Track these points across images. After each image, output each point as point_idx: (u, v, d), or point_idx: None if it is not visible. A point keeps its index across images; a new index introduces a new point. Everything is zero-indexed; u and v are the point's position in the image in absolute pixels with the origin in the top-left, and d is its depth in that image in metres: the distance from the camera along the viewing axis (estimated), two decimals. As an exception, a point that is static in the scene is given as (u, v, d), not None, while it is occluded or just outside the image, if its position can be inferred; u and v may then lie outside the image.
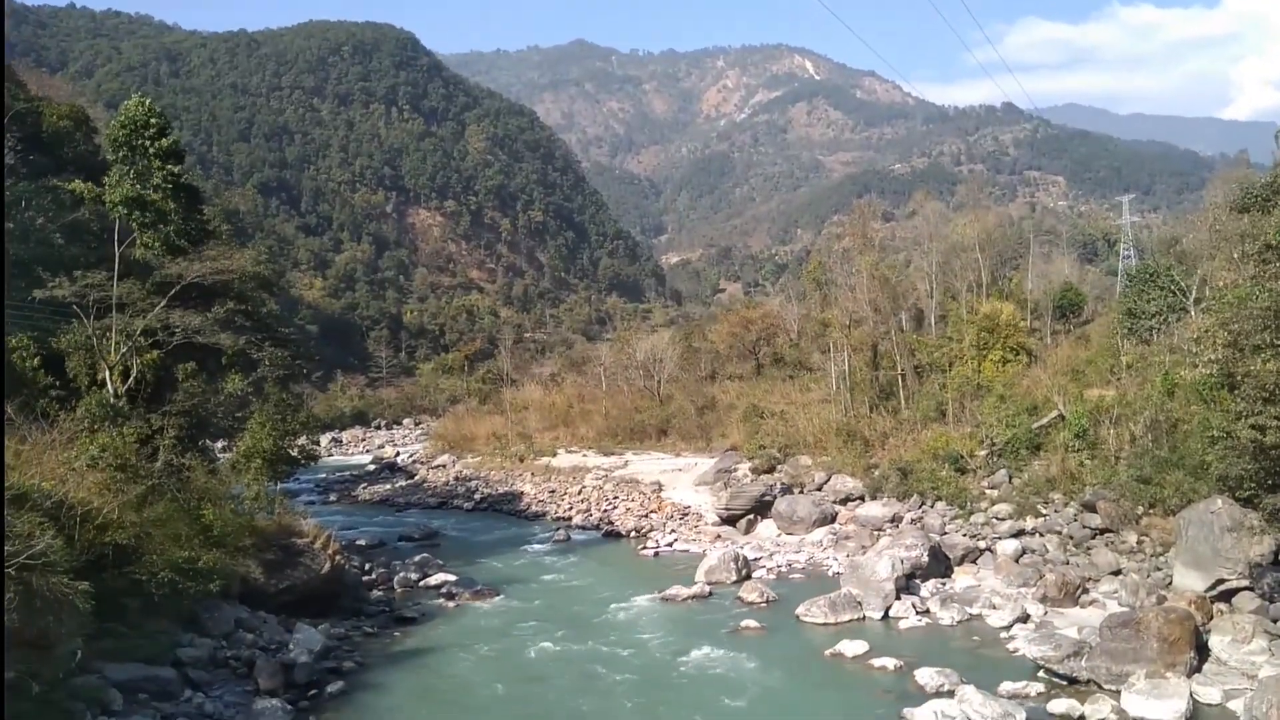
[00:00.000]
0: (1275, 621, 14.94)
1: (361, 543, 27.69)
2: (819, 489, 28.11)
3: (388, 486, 39.65)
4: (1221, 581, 16.06)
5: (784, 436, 32.62)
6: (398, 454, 48.69)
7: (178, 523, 15.77)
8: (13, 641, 11.21)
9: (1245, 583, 15.79)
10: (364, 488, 39.64)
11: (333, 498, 38.26)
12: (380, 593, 21.86)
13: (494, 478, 38.43)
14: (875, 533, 24.12)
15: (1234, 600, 15.81)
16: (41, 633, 11.08)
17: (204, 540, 15.95)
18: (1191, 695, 13.06)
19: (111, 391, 19.22)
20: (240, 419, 24.61)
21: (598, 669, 16.14)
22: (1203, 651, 14.42)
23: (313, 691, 14.90)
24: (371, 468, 45.43)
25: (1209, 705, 13.07)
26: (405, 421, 66.88)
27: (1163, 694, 13.07)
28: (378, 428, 65.69)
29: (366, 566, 24.10)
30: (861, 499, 26.77)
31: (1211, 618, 15.42)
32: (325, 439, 50.47)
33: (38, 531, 10.90)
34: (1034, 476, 23.51)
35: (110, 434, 16.85)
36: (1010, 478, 24.19)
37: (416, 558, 25.19)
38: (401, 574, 23.33)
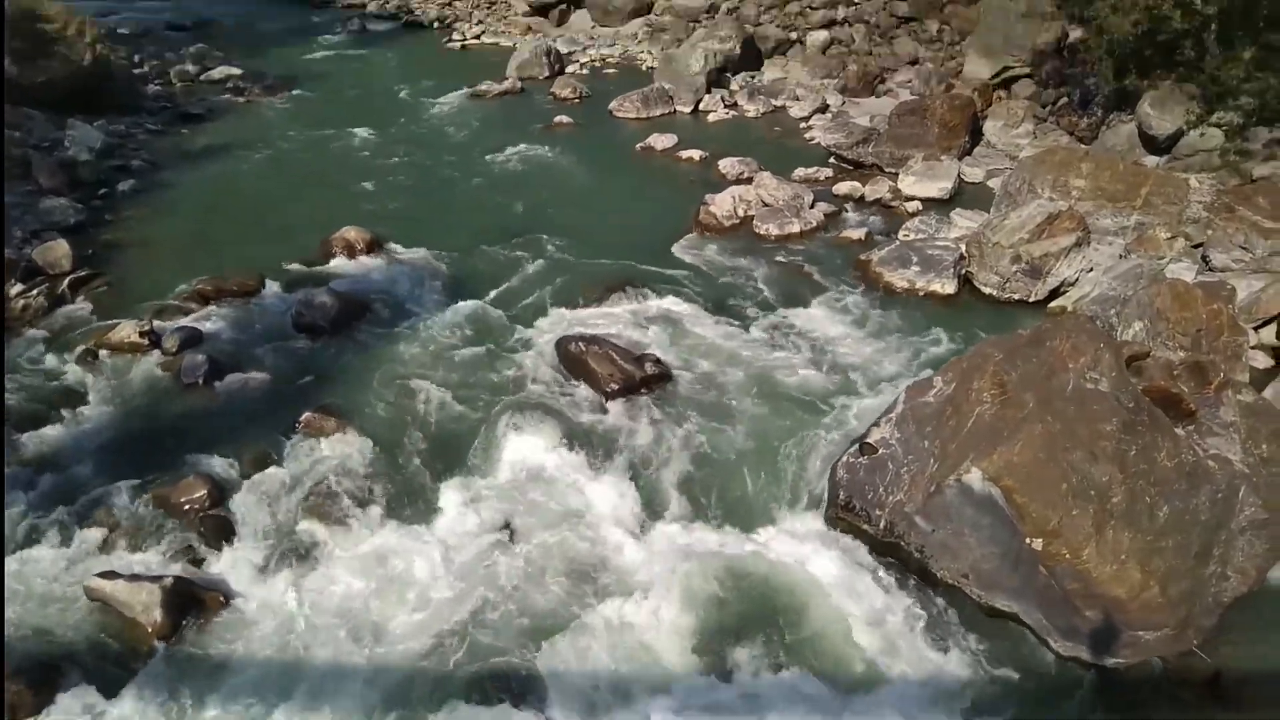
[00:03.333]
0: (1044, 106, 16.35)
1: (124, 31, 24.49)
2: (635, -24, 26.52)
3: (143, -35, 34.14)
4: (1007, 69, 17.08)
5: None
6: (147, -74, 41.24)
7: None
8: None
9: (1026, 70, 16.89)
10: (112, -33, 33.95)
11: (76, -22, 32.76)
12: (157, 87, 19.91)
13: (271, -43, 33.71)
14: (691, 24, 23.55)
15: (1013, 88, 17.02)
16: None
17: (-80, 22, 13.50)
18: (959, 175, 14.53)
19: None
20: None
21: (407, 162, 15.94)
22: (976, 136, 15.81)
23: (103, 190, 14.03)
24: (117, -58, 38.56)
25: (972, 183, 14.64)
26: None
27: (935, 175, 14.44)
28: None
29: (136, 58, 21.59)
30: (678, -13, 25.61)
31: (990, 104, 16.66)
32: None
33: None
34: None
35: None
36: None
37: (192, 48, 22.74)
38: (178, 67, 21.16)
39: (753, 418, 8.96)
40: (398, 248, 12.48)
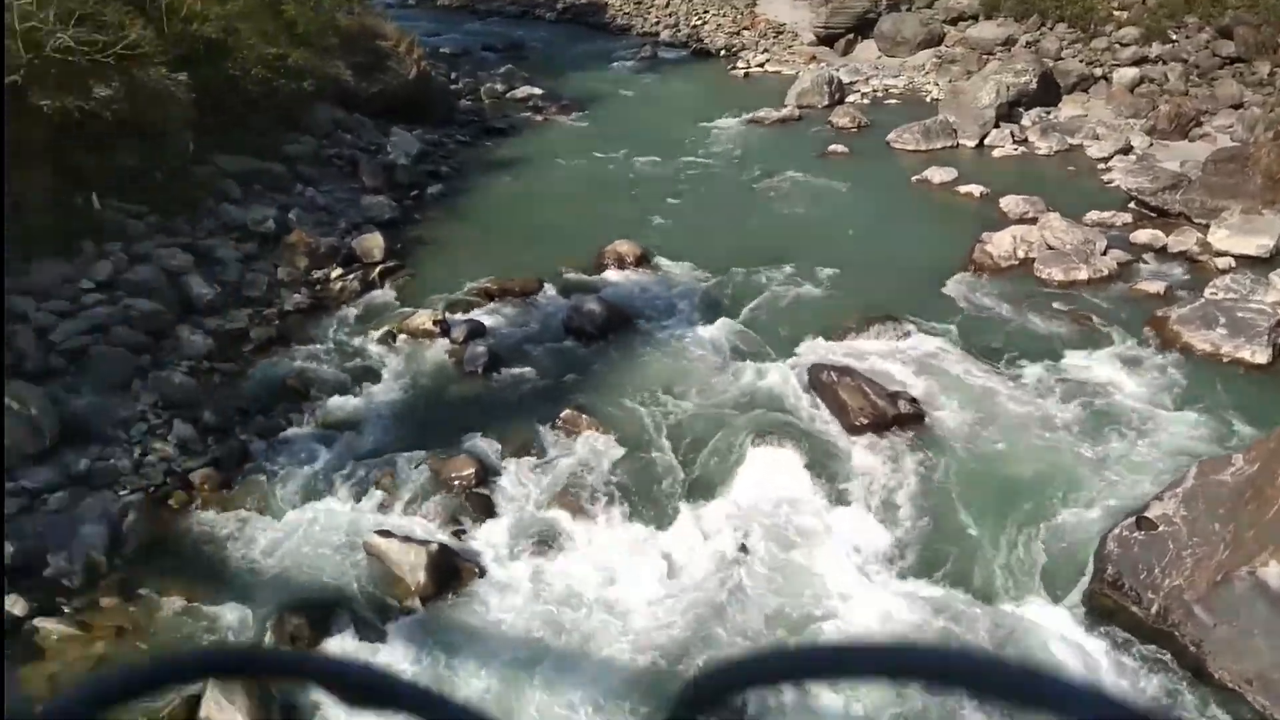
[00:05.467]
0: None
1: (446, 50, 27.14)
2: (929, 6, 25.86)
3: (466, -9, 37.80)
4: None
5: (896, -55, 29.31)
6: (475, -43, 45.68)
7: (260, 18, 15.47)
8: (128, 132, 11.78)
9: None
10: (443, -8, 37.87)
11: (411, 2, 36.84)
12: (468, 103, 21.91)
13: (577, -14, 36.19)
14: (984, 56, 22.59)
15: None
16: (151, 122, 11.54)
17: (290, 38, 15.75)
18: (1285, 232, 12.88)
19: None
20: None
21: (682, 182, 16.48)
22: (1312, 191, 13.95)
23: (414, 192, 15.68)
24: (448, -29, 42.96)
25: (1301, 243, 12.92)
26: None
27: (1253, 229, 12.89)
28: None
29: (453, 75, 23.89)
30: (975, 19, 24.66)
31: (1333, 155, 14.64)
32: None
33: (126, 21, 10.81)
34: (1173, -4, 21.16)
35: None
36: (1146, -2, 21.81)
37: (502, 69, 24.79)
38: (488, 85, 23.14)
39: (1011, 472, 8.42)
40: (665, 262, 12.94)
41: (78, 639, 6.68)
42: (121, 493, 7.96)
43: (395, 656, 6.77)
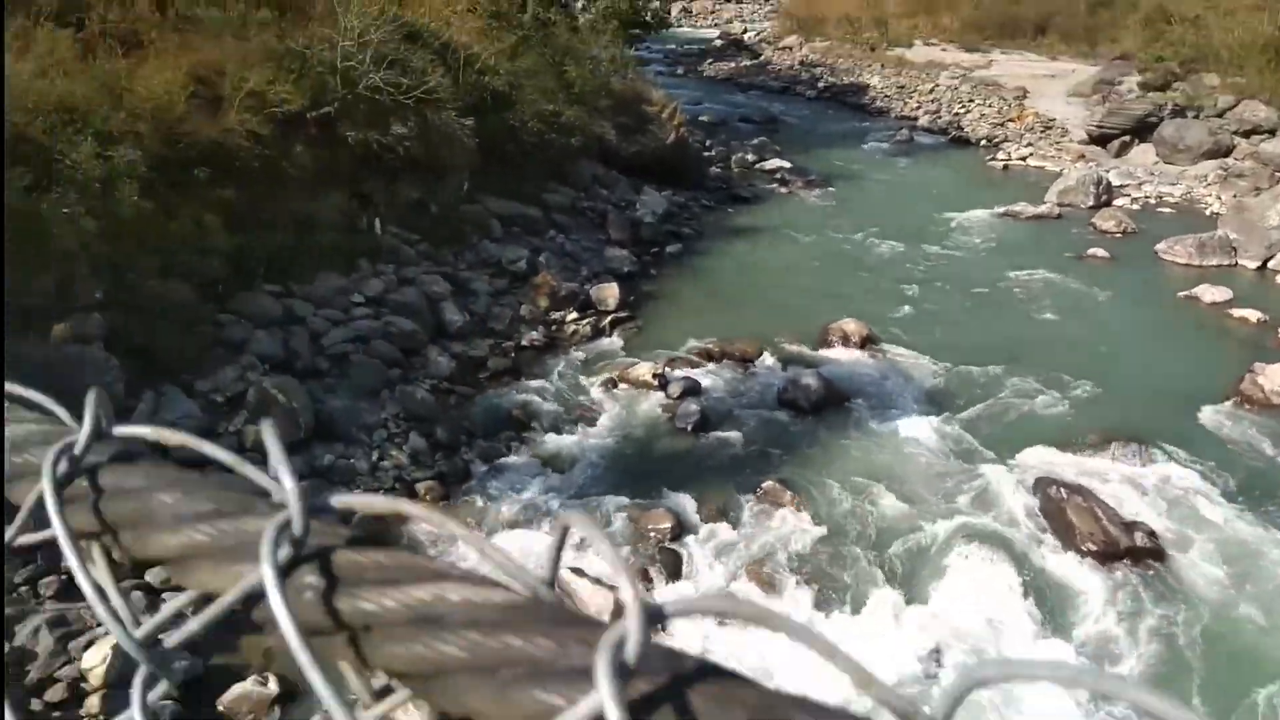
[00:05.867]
0: None
1: (704, 119, 28.14)
2: (1220, 115, 23.90)
3: (732, 65, 39.17)
4: None
5: (1191, 48, 27.35)
6: (745, 31, 47.32)
7: (544, 76, 16.83)
8: (416, 167, 13.12)
9: None
10: (710, 64, 39.44)
11: (680, 71, 38.59)
12: (718, 170, 22.57)
13: (840, 66, 36.53)
14: (1278, 174, 20.56)
15: None
16: (437, 161, 12.79)
17: (566, 96, 16.99)
18: None
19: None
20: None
21: (920, 268, 16.07)
22: None
23: (654, 249, 16.30)
24: (718, 43, 44.75)
25: None
26: (756, -6, 63.88)
27: None
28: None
29: (707, 143, 24.71)
30: (1272, 133, 22.53)
31: None
32: (675, 8, 49.78)
33: (429, 68, 12.14)
34: None
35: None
36: None
37: (754, 140, 25.36)
38: (739, 155, 23.74)
39: (1259, 641, 7.45)
40: (892, 348, 12.63)
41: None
42: (355, 491, 8.72)
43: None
